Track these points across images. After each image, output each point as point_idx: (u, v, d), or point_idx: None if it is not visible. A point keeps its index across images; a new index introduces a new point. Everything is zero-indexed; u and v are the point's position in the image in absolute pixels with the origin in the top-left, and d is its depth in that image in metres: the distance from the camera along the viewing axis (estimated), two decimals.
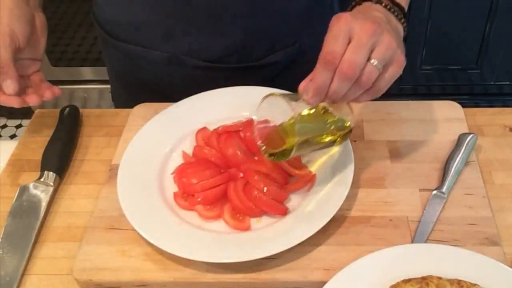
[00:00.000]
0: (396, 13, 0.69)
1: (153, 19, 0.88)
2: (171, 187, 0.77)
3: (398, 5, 0.69)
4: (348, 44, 0.61)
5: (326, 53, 0.61)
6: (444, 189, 0.74)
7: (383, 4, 0.68)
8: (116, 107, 1.09)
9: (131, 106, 0.90)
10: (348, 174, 0.73)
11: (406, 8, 0.72)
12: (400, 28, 0.69)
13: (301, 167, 0.77)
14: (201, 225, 0.72)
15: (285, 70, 0.96)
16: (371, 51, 0.61)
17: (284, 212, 0.71)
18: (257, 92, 0.86)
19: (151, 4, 0.87)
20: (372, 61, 0.61)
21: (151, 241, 0.68)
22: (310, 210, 0.71)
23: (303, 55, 0.94)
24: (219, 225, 0.72)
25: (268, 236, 0.69)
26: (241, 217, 0.72)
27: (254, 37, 0.90)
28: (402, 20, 0.69)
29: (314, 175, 0.75)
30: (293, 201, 0.74)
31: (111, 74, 1.07)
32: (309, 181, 0.75)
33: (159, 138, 0.82)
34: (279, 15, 0.89)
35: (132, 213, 0.71)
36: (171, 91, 0.92)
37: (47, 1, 1.92)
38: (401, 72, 0.65)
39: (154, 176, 0.77)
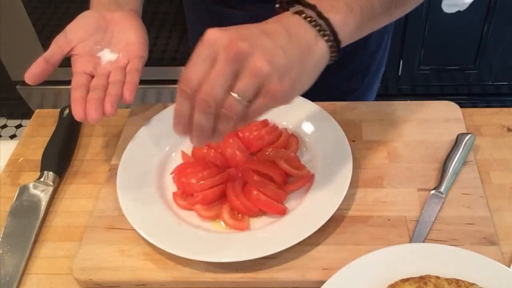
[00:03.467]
0: (318, 28, 0.57)
1: None
2: (171, 187, 0.77)
3: (325, 20, 0.58)
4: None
5: (181, 80, 0.54)
6: (442, 189, 0.74)
7: (303, 15, 0.57)
8: None
9: None
10: (347, 174, 0.73)
11: (346, 27, 0.59)
12: (316, 47, 0.57)
13: (300, 167, 0.78)
14: (200, 224, 0.72)
15: None
16: (236, 79, 0.53)
17: (283, 212, 0.72)
18: None
19: None
20: (233, 93, 0.53)
21: (151, 240, 0.68)
22: (309, 210, 0.71)
23: None
24: (218, 225, 0.72)
25: (267, 235, 0.69)
26: (240, 216, 0.72)
27: None
28: (327, 38, 0.57)
29: (313, 175, 0.76)
30: (292, 201, 0.74)
31: (195, 45, 1.08)
32: (307, 181, 0.75)
33: (159, 138, 0.82)
34: None
35: (131, 213, 0.71)
36: None
37: (47, 2, 1.92)
38: (276, 102, 0.55)
39: (153, 176, 0.78)
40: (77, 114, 0.69)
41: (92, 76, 0.74)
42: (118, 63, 0.75)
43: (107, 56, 0.75)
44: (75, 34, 0.75)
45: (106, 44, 0.77)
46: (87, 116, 0.68)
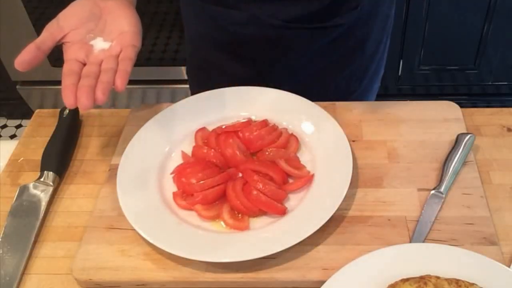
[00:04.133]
0: None
1: None
2: (171, 187, 0.77)
3: None
4: None
5: None
6: (442, 189, 0.74)
7: None
8: (191, 91, 1.13)
9: (207, 88, 0.90)
10: (347, 174, 0.73)
11: None
12: None
13: (299, 167, 0.78)
14: (200, 224, 0.72)
15: (346, 32, 0.97)
16: None
17: (283, 212, 0.72)
18: (256, 92, 0.87)
19: None
20: None
21: (151, 240, 0.68)
22: (309, 210, 0.71)
23: (362, 19, 0.97)
24: (218, 225, 0.72)
25: (267, 235, 0.69)
26: (240, 216, 0.72)
27: (325, 2, 0.91)
28: None
29: (312, 175, 0.76)
30: (292, 200, 0.74)
31: (192, 46, 1.08)
32: (307, 181, 0.75)
33: (159, 138, 0.82)
34: None
35: (131, 213, 0.71)
36: (241, 53, 0.96)
37: (47, 2, 1.91)
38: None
39: (153, 176, 0.78)
40: (68, 101, 0.67)
41: (84, 64, 0.73)
42: (110, 52, 0.74)
43: (99, 44, 0.74)
44: (68, 22, 0.75)
45: (99, 33, 0.76)
46: (79, 104, 0.67)
